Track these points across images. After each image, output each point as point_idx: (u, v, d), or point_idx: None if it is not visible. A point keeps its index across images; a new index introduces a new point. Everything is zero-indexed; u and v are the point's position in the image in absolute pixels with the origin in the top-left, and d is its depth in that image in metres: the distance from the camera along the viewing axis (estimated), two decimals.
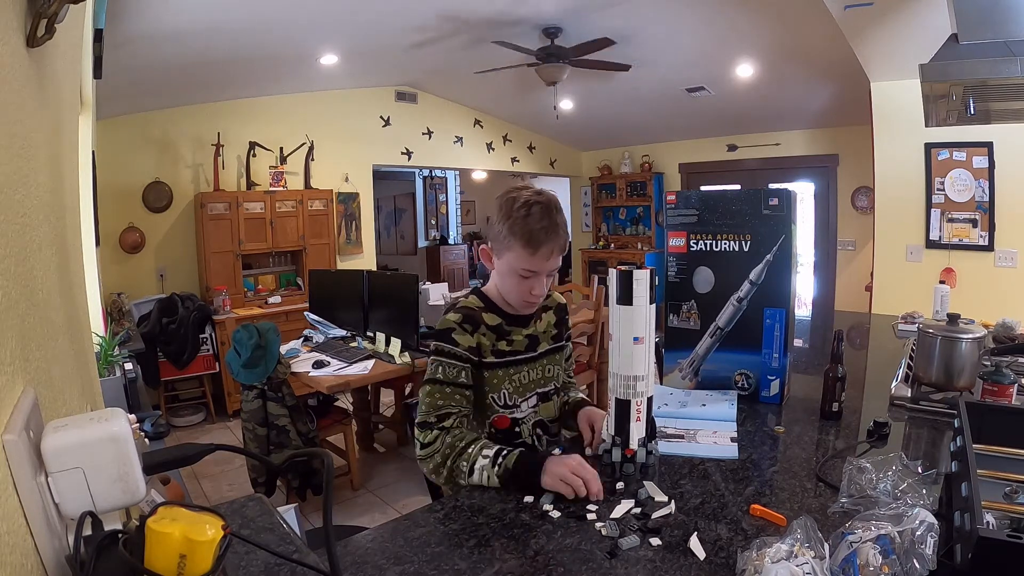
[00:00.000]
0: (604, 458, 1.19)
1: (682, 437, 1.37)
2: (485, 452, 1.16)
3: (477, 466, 1.15)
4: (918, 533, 0.76)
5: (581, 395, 1.53)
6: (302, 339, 3.43)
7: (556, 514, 1.03)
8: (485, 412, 1.33)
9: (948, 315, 1.53)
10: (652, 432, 1.22)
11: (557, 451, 1.26)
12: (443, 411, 1.24)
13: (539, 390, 1.41)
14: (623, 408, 1.18)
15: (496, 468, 1.13)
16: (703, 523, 0.99)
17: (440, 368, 1.26)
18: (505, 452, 1.15)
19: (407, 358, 2.95)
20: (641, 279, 1.15)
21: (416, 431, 1.27)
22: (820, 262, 5.80)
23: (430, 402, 1.25)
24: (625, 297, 1.16)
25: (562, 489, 1.07)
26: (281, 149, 4.89)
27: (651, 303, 1.17)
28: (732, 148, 6.21)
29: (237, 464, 3.36)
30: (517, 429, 1.36)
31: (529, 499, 1.09)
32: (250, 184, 4.71)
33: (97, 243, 3.12)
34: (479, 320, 1.31)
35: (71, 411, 0.85)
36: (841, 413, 1.47)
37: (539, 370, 1.41)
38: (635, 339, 1.17)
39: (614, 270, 1.18)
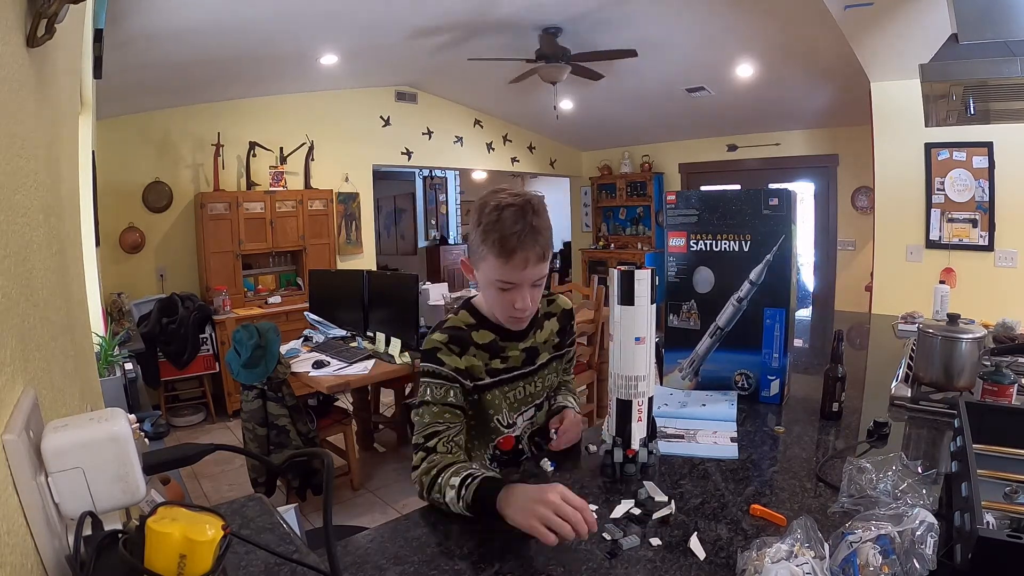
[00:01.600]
0: (605, 459, 1.19)
1: (682, 437, 1.38)
2: (452, 482, 1.04)
3: (447, 499, 1.04)
4: (918, 533, 0.76)
5: (570, 402, 1.40)
6: (302, 339, 3.43)
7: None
8: (489, 435, 1.25)
9: (948, 315, 1.53)
10: (653, 432, 1.22)
11: (550, 466, 1.21)
12: (430, 430, 1.14)
13: (536, 402, 1.33)
14: (624, 408, 1.18)
15: (460, 503, 1.01)
16: (703, 523, 0.99)
17: (428, 389, 1.16)
18: (469, 482, 1.01)
19: (407, 358, 2.95)
20: (642, 279, 1.15)
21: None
22: (820, 262, 5.80)
23: (420, 423, 1.16)
24: (626, 297, 1.15)
25: (539, 532, 0.87)
26: (281, 149, 4.89)
27: (652, 303, 1.17)
28: (732, 148, 6.21)
29: (237, 464, 3.36)
30: (520, 447, 1.31)
31: None
32: (250, 184, 4.70)
33: (97, 243, 3.11)
34: (468, 340, 1.20)
35: (71, 411, 0.85)
36: (841, 413, 1.47)
37: (539, 382, 1.31)
38: (636, 339, 1.16)
39: (615, 270, 1.17)
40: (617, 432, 1.18)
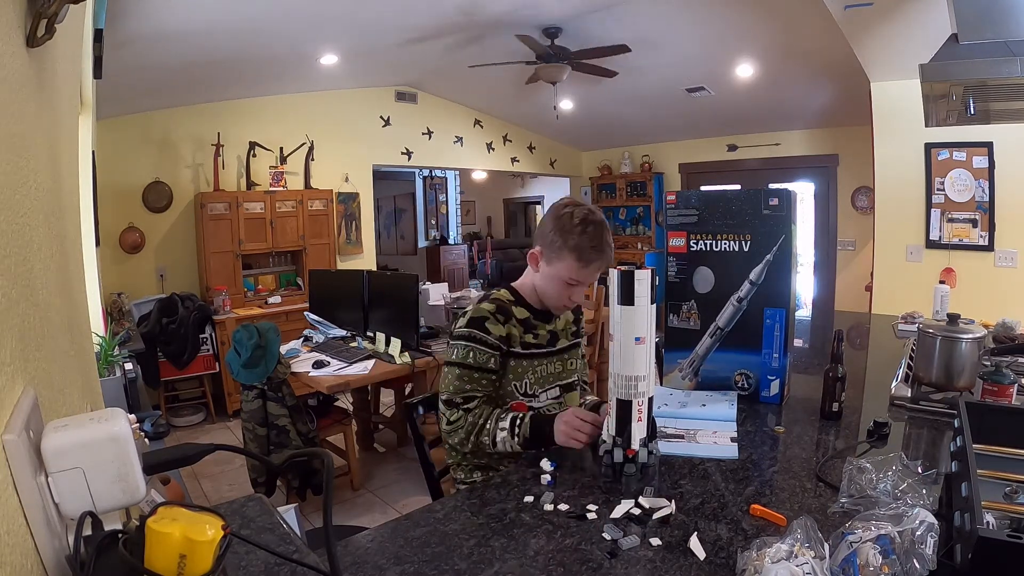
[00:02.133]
0: (605, 459, 1.19)
1: (682, 437, 1.37)
2: (502, 425, 1.33)
3: (498, 438, 1.33)
4: (918, 533, 0.76)
5: (596, 397, 1.62)
6: (302, 339, 3.43)
7: (564, 507, 1.04)
8: (505, 398, 1.43)
9: (948, 315, 1.53)
10: (653, 432, 1.22)
11: (550, 465, 1.24)
12: (469, 394, 1.37)
13: (560, 382, 1.52)
14: (624, 408, 1.18)
15: (515, 438, 1.31)
16: (703, 523, 0.99)
17: (471, 353, 1.37)
18: (518, 422, 1.32)
19: (407, 358, 2.95)
20: (642, 279, 1.15)
21: (442, 407, 1.40)
22: (820, 262, 5.80)
23: (458, 385, 1.37)
24: (626, 297, 1.16)
25: (573, 444, 1.25)
26: (281, 149, 4.89)
27: (651, 303, 1.17)
28: (732, 148, 6.21)
29: (237, 464, 3.36)
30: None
31: (529, 499, 1.09)
32: (250, 184, 4.70)
33: (97, 243, 3.11)
34: (510, 312, 1.42)
35: (71, 411, 0.85)
36: (841, 413, 1.47)
37: (559, 364, 1.52)
38: (636, 339, 1.16)
39: (615, 270, 1.17)
40: (617, 432, 1.18)
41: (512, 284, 1.51)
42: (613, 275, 1.18)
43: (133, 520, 0.64)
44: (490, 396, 1.40)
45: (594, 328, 3.74)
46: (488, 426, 1.34)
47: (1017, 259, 3.26)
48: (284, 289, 4.93)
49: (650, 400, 1.20)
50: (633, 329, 1.16)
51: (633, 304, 1.15)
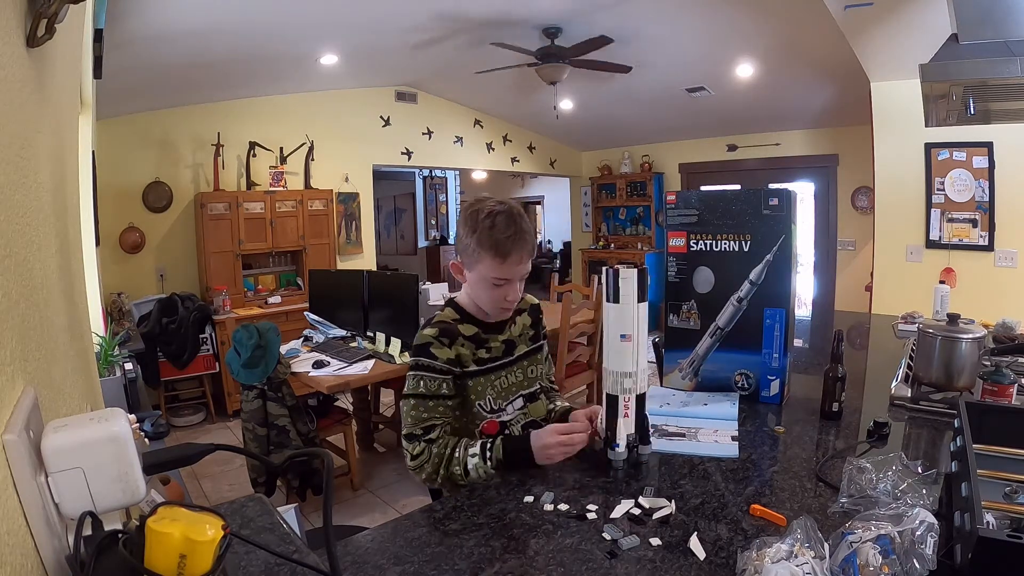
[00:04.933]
0: (599, 455, 1.21)
1: (683, 435, 1.38)
2: (472, 451, 1.25)
3: (470, 466, 1.24)
4: (918, 533, 0.76)
5: (565, 403, 1.55)
6: (302, 339, 3.43)
7: (564, 507, 1.04)
8: (473, 420, 1.36)
9: (948, 315, 1.53)
10: (644, 431, 1.23)
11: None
12: (428, 423, 1.29)
13: (523, 392, 1.45)
14: (612, 403, 1.21)
15: (488, 463, 1.23)
16: (703, 523, 0.99)
17: (421, 382, 1.30)
18: (489, 445, 1.25)
19: (407, 358, 2.94)
20: (628, 278, 1.18)
21: (404, 442, 1.31)
22: (820, 262, 5.80)
23: (415, 415, 1.29)
24: (614, 295, 1.19)
25: (557, 459, 1.21)
26: (281, 149, 4.89)
27: (640, 301, 1.19)
28: (732, 148, 6.21)
29: (237, 464, 3.36)
30: (507, 431, 1.39)
31: (529, 499, 1.09)
32: (250, 184, 4.70)
33: (97, 243, 3.12)
34: (455, 332, 1.35)
35: (71, 411, 0.85)
36: (841, 413, 1.47)
37: (519, 372, 1.45)
38: (622, 336, 1.20)
39: (607, 269, 1.21)
40: (606, 427, 1.22)
41: (455, 300, 1.43)
42: (604, 274, 1.21)
43: (133, 520, 0.64)
44: (451, 424, 1.32)
45: (594, 328, 3.73)
46: (457, 455, 1.25)
47: (1017, 259, 3.26)
48: (284, 289, 4.93)
49: (639, 398, 1.21)
50: (621, 326, 1.20)
51: (619, 302, 1.19)
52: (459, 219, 1.35)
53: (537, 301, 1.56)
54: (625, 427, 1.20)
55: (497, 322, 1.41)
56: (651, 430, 1.27)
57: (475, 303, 1.39)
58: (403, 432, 1.32)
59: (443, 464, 1.26)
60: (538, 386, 1.49)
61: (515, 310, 1.45)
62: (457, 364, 1.32)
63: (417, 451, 1.28)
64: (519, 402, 1.43)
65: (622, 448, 1.20)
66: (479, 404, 1.36)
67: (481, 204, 1.30)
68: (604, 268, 1.23)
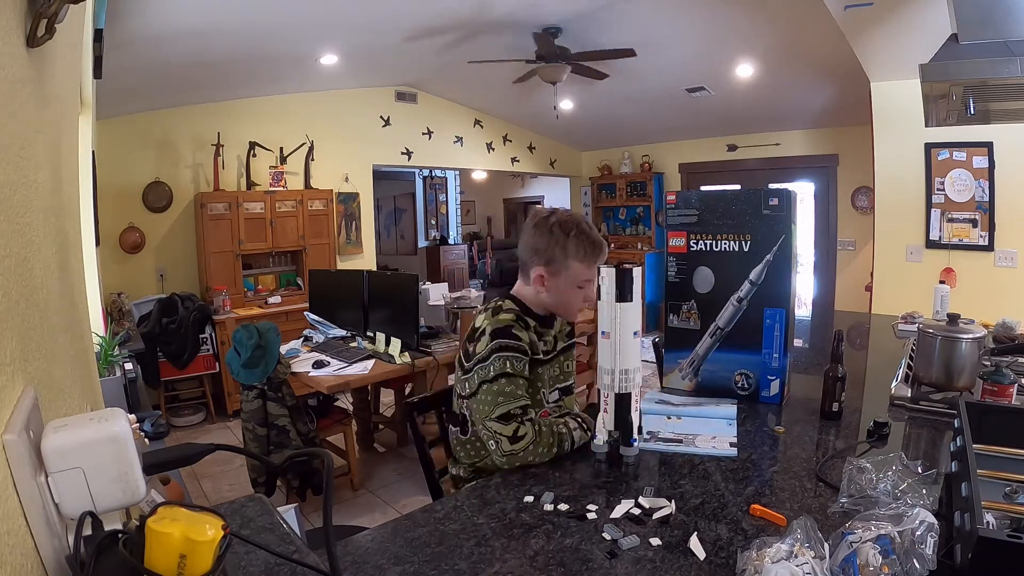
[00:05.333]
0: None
1: (680, 442, 1.37)
2: (572, 425, 1.34)
3: (576, 437, 1.32)
4: (918, 533, 0.76)
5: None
6: (302, 339, 3.43)
7: (564, 507, 1.05)
8: (538, 406, 1.41)
9: (948, 315, 1.53)
10: (626, 432, 1.25)
11: None
12: (523, 402, 1.31)
13: (559, 385, 1.51)
14: (623, 400, 1.24)
15: (585, 432, 1.33)
16: (703, 523, 0.99)
17: (507, 362, 1.31)
18: (580, 418, 1.37)
19: (407, 358, 2.95)
20: (607, 276, 1.24)
21: (496, 425, 1.27)
22: (820, 262, 5.80)
23: (510, 392, 1.30)
24: (623, 295, 1.23)
25: None
26: (281, 149, 4.89)
27: (620, 301, 1.23)
28: (732, 148, 6.21)
29: (237, 464, 3.36)
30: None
31: (529, 499, 1.09)
32: (250, 184, 4.70)
33: (97, 243, 3.11)
34: (527, 321, 1.41)
35: (71, 411, 0.85)
36: (841, 413, 1.47)
37: (558, 367, 1.51)
38: (603, 333, 1.25)
39: (610, 269, 1.25)
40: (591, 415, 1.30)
41: (511, 294, 1.49)
42: (608, 274, 1.24)
43: (133, 520, 0.64)
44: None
45: (594, 328, 3.73)
46: (563, 431, 1.31)
47: (1017, 259, 3.25)
48: (284, 289, 4.92)
49: (620, 397, 1.24)
50: (601, 323, 1.26)
51: (600, 299, 1.25)
52: (535, 232, 1.41)
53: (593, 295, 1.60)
54: (604, 422, 1.26)
55: (547, 318, 1.48)
56: (644, 436, 1.29)
57: (538, 301, 1.45)
58: (494, 415, 1.27)
59: (557, 442, 1.28)
60: (572, 380, 1.57)
61: None
62: (532, 349, 1.38)
63: (523, 432, 1.26)
64: (555, 395, 1.49)
65: (599, 441, 1.26)
66: (543, 392, 1.43)
67: (555, 215, 1.40)
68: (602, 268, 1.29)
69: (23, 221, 0.66)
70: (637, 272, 1.24)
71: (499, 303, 1.44)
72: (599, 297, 1.27)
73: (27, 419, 0.53)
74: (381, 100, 5.56)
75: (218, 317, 4.19)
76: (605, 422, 1.26)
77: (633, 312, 1.22)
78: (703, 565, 0.87)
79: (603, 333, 1.25)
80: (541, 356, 1.42)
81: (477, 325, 1.40)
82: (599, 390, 1.29)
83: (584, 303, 1.44)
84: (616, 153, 7.17)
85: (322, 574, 0.71)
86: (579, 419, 1.36)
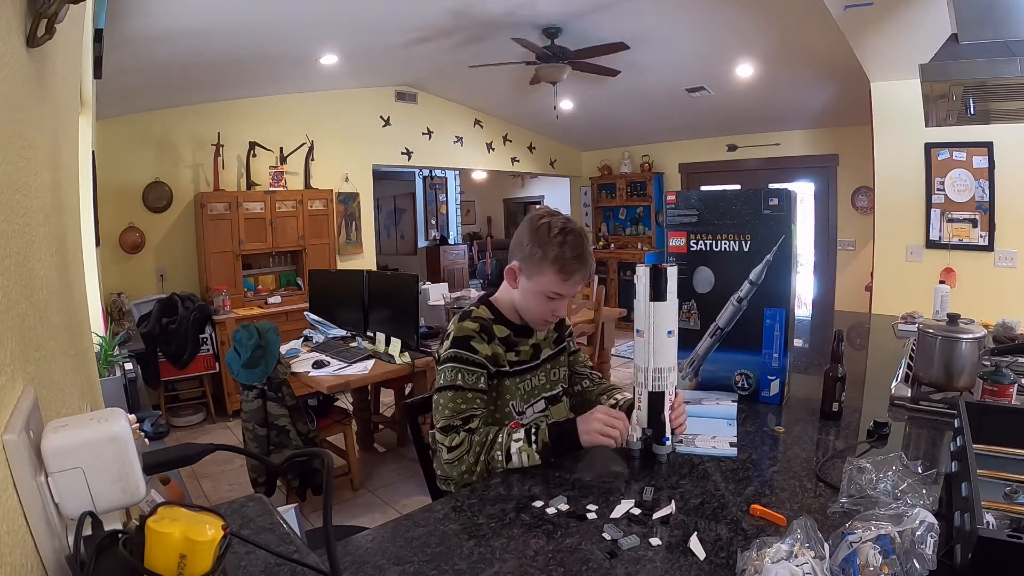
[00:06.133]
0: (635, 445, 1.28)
1: (680, 442, 1.36)
2: (515, 436, 1.24)
3: (513, 450, 1.23)
4: (918, 533, 0.76)
5: (627, 395, 1.48)
6: (302, 339, 3.43)
7: (564, 507, 1.05)
8: (504, 419, 1.37)
9: (948, 315, 1.53)
10: (659, 431, 1.25)
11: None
12: (467, 414, 1.28)
13: (545, 395, 1.46)
14: (657, 399, 1.26)
15: (533, 446, 1.22)
16: (703, 523, 0.99)
17: (459, 374, 1.29)
18: (534, 429, 1.24)
19: (407, 358, 2.95)
20: (642, 275, 1.21)
21: (439, 435, 1.29)
22: (820, 262, 5.80)
23: (453, 407, 1.28)
24: (657, 294, 1.23)
25: (605, 442, 1.21)
26: (281, 149, 4.89)
27: (654, 300, 1.22)
28: (732, 148, 6.21)
29: (237, 464, 3.36)
30: None
31: (529, 499, 1.09)
32: (250, 184, 4.71)
33: (97, 243, 3.11)
34: (492, 331, 1.35)
35: (71, 411, 0.85)
36: (841, 413, 1.47)
37: (543, 375, 1.46)
38: (637, 331, 1.25)
39: (644, 268, 1.24)
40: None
41: (490, 299, 1.43)
42: (643, 273, 1.22)
43: (133, 520, 0.64)
44: (485, 418, 1.31)
45: (594, 328, 3.73)
46: (499, 440, 1.24)
47: (1017, 259, 3.26)
48: (284, 289, 4.93)
49: (653, 396, 1.24)
50: (636, 322, 1.25)
51: (666, 300, 1.22)
52: (525, 227, 1.35)
53: (563, 314, 1.51)
54: (638, 420, 1.26)
55: (526, 327, 1.42)
56: (643, 436, 1.30)
57: (515, 308, 1.39)
58: (438, 426, 1.29)
59: (484, 451, 1.24)
60: (560, 388, 1.50)
61: None
62: (494, 362, 1.33)
63: (456, 442, 1.25)
64: (541, 404, 1.45)
65: (634, 439, 1.26)
66: (512, 404, 1.38)
67: (553, 218, 1.32)
68: (637, 267, 1.26)
69: (23, 221, 0.66)
70: (673, 271, 1.21)
71: (471, 308, 1.40)
72: (635, 296, 1.23)
73: (27, 419, 0.53)
74: (381, 100, 5.57)
75: (218, 317, 4.19)
76: (639, 420, 1.26)
77: (668, 311, 1.22)
78: (703, 565, 0.87)
79: (638, 332, 1.24)
80: (507, 368, 1.36)
81: (447, 328, 1.38)
82: (633, 388, 1.27)
83: (551, 316, 1.37)
84: (616, 153, 7.17)
85: (322, 574, 0.71)
86: (534, 432, 1.24)
